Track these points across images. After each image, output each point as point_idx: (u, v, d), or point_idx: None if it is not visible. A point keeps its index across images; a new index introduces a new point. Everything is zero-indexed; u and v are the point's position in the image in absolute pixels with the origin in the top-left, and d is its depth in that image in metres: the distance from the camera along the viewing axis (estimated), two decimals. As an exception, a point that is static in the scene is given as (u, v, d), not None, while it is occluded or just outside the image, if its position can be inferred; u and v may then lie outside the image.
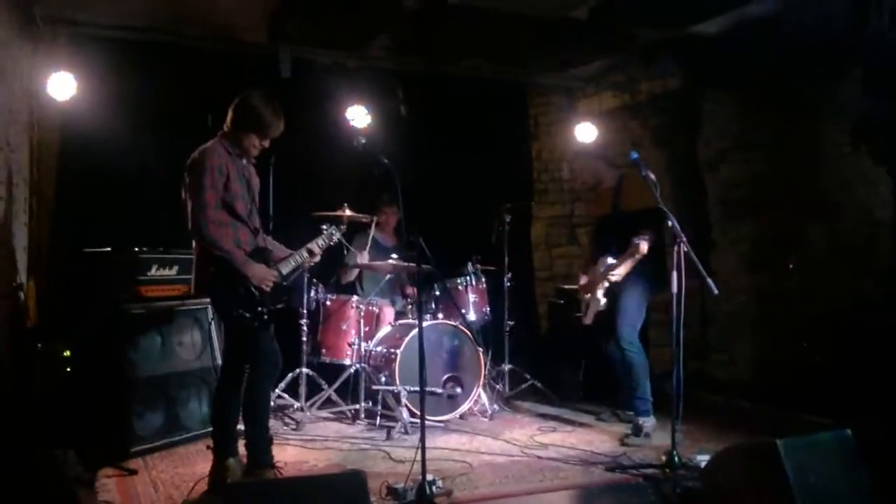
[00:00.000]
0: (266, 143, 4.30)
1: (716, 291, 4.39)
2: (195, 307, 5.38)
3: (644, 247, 4.96)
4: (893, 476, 3.65)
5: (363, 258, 6.28)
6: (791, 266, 6.36)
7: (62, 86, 5.48)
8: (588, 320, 5.58)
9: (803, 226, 6.33)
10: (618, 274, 5.25)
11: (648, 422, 5.26)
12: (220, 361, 5.32)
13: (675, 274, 4.34)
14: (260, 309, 4.11)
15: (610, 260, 5.33)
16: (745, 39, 6.02)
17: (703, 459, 4.28)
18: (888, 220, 5.35)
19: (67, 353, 5.02)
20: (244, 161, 4.28)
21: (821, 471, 3.39)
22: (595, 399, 6.26)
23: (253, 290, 4.10)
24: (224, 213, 4.10)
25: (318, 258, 4.57)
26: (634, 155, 4.72)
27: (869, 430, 4.14)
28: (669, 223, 4.45)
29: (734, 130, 6.87)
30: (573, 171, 7.97)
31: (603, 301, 5.42)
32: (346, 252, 6.34)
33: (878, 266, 5.73)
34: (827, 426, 4.53)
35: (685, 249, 4.35)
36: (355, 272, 6.68)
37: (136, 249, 5.18)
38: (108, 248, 5.14)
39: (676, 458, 4.27)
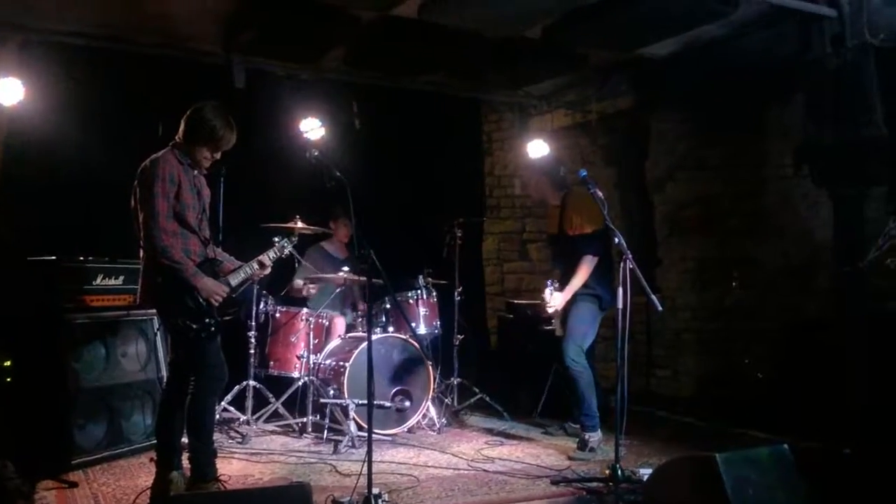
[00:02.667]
0: (218, 155, 4.30)
1: (660, 308, 4.50)
2: (141, 318, 5.33)
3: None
4: (828, 489, 3.76)
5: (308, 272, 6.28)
6: (735, 284, 6.50)
7: (9, 91, 5.37)
8: (560, 332, 5.60)
9: (747, 245, 6.48)
10: (565, 297, 5.33)
11: (594, 436, 5.32)
12: (164, 373, 5.28)
13: (620, 290, 4.42)
14: (207, 320, 4.09)
15: (550, 289, 5.40)
16: (694, 62, 6.15)
17: (645, 473, 4.35)
18: (828, 241, 5.50)
19: (8, 363, 4.91)
20: (195, 172, 4.26)
21: (758, 484, 3.49)
22: (545, 413, 6.32)
23: (201, 301, 4.08)
24: (174, 223, 4.08)
25: (268, 270, 4.54)
26: (583, 173, 4.79)
27: (806, 444, 4.26)
28: (616, 240, 4.52)
29: (682, 150, 7.01)
30: (525, 186, 8.06)
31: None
32: (297, 265, 6.31)
33: (819, 285, 5.88)
34: (767, 441, 4.64)
35: (631, 266, 4.42)
36: (314, 289, 6.55)
37: (82, 258, 5.11)
38: (53, 257, 5.05)
39: (620, 472, 4.32)
